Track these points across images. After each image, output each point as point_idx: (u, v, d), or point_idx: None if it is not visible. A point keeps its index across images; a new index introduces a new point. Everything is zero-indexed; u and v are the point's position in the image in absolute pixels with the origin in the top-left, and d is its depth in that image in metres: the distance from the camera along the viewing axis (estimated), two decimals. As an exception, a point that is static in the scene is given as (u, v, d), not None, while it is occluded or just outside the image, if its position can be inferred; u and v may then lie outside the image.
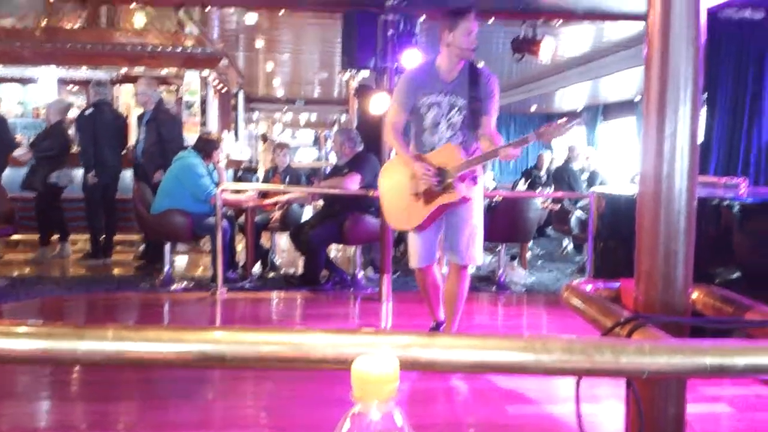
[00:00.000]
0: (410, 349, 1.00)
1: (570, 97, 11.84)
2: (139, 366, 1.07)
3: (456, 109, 3.44)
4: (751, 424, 2.99)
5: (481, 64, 3.64)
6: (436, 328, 3.89)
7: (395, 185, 3.62)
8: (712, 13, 5.57)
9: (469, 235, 3.51)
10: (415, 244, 3.63)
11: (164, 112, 6.43)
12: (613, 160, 11.59)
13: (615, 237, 2.46)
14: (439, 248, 3.86)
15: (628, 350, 1.02)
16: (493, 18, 6.00)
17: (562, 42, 7.82)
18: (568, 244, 8.41)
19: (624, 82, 9.66)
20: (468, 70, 3.47)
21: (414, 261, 3.68)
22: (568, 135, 3.29)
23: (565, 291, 1.37)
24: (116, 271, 6.46)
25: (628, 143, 11.80)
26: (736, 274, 1.88)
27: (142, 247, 6.77)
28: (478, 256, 3.57)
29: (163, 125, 6.25)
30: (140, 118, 6.51)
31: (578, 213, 7.18)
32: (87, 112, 6.62)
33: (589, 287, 1.40)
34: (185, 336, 1.02)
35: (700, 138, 5.68)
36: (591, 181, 9.27)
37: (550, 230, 9.05)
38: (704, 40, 1.32)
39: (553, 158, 10.12)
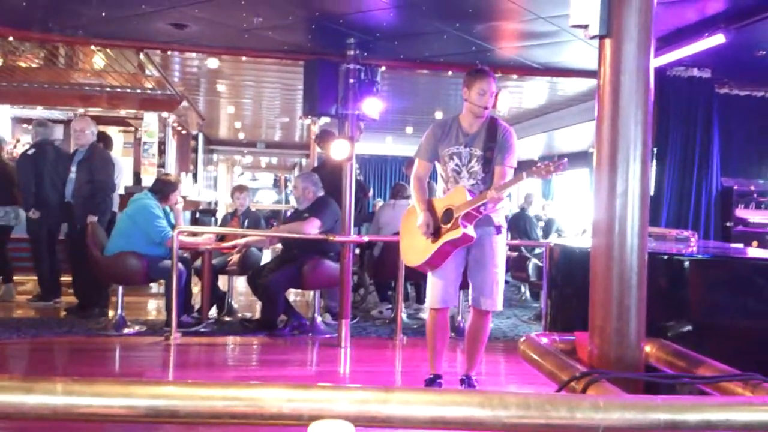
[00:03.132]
0: (367, 405, 0.99)
1: (527, 147, 12.13)
2: (89, 421, 1.04)
3: (475, 159, 3.71)
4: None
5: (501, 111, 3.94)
6: (433, 381, 3.86)
7: (412, 224, 3.86)
8: (661, 70, 5.80)
9: (493, 281, 3.71)
10: (433, 284, 3.76)
11: (99, 153, 6.25)
12: (568, 210, 11.83)
13: (569, 288, 2.50)
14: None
15: (583, 406, 1.03)
16: (450, 71, 6.15)
17: (519, 95, 8.06)
18: (525, 291, 8.50)
19: (578, 134, 9.95)
20: (488, 123, 3.75)
21: (431, 301, 3.79)
22: (558, 175, 3.46)
23: (522, 344, 1.38)
24: (64, 314, 6.25)
25: (582, 193, 12.08)
26: (687, 328, 1.92)
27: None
28: (500, 303, 3.76)
29: (95, 166, 6.09)
30: (72, 156, 6.34)
31: (535, 260, 7.27)
32: (29, 152, 6.49)
33: (544, 340, 1.42)
34: (136, 390, 0.99)
35: (651, 190, 5.87)
36: (547, 229, 9.44)
37: (507, 277, 9.13)
38: (653, 98, 1.37)
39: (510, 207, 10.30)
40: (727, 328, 2.03)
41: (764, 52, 5.40)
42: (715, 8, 4.45)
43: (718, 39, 4.73)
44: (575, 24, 1.29)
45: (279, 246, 6.39)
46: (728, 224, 6.28)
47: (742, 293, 2.06)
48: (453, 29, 5.00)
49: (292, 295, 7.17)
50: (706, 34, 4.77)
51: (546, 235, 9.21)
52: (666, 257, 2.09)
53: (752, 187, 6.49)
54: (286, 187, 22.97)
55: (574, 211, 11.63)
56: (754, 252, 3.23)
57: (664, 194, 6.01)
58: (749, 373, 1.24)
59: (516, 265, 7.80)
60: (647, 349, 1.39)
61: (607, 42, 1.31)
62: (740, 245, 4.28)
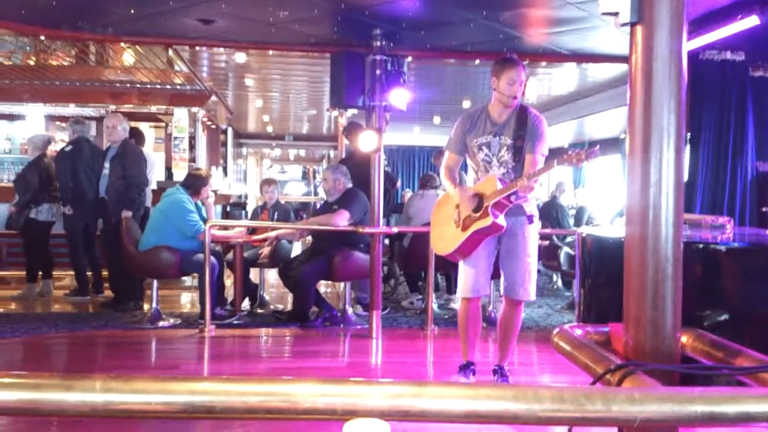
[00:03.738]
0: (401, 399, 0.99)
1: (557, 134, 11.99)
2: (127, 417, 1.06)
3: (505, 148, 3.69)
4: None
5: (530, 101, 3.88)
6: (466, 367, 3.88)
7: (443, 214, 3.89)
8: (694, 54, 5.68)
9: (525, 270, 3.70)
10: (464, 274, 3.77)
11: (131, 149, 6.36)
12: (600, 197, 11.68)
13: (602, 278, 2.46)
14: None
15: (618, 399, 1.02)
16: (478, 60, 6.10)
17: (548, 82, 7.96)
18: (557, 279, 8.43)
19: (609, 120, 9.80)
20: (518, 111, 3.72)
21: (462, 291, 3.79)
22: (589, 163, 3.46)
23: (555, 336, 1.37)
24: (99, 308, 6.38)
25: (614, 180, 11.91)
26: (723, 317, 1.89)
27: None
28: (533, 292, 3.75)
29: (127, 162, 6.19)
30: (106, 153, 6.46)
31: (567, 249, 7.20)
32: (66, 149, 6.62)
33: (578, 332, 1.41)
34: (173, 387, 1.01)
35: (685, 176, 5.76)
36: (578, 216, 9.33)
37: (539, 266, 9.06)
38: (686, 85, 1.34)
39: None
40: (765, 317, 1.99)
41: (801, 33, 5.26)
42: (749, -12, 4.34)
43: (752, 21, 4.62)
44: (606, 11, 1.27)
45: (309, 238, 6.42)
46: (765, 209, 6.14)
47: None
48: (480, 17, 4.94)
49: (323, 286, 7.23)
50: (740, 17, 4.66)
51: (578, 223, 9.12)
52: (701, 246, 2.06)
53: (790, 171, 6.32)
54: (314, 179, 23.08)
55: (605, 199, 11.48)
56: None
57: (698, 180, 5.90)
58: (790, 364, 1.22)
59: (547, 254, 7.73)
60: (683, 339, 1.37)
61: (639, 29, 1.28)
62: (778, 231, 4.18)
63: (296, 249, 7.19)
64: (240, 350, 5.21)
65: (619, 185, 11.45)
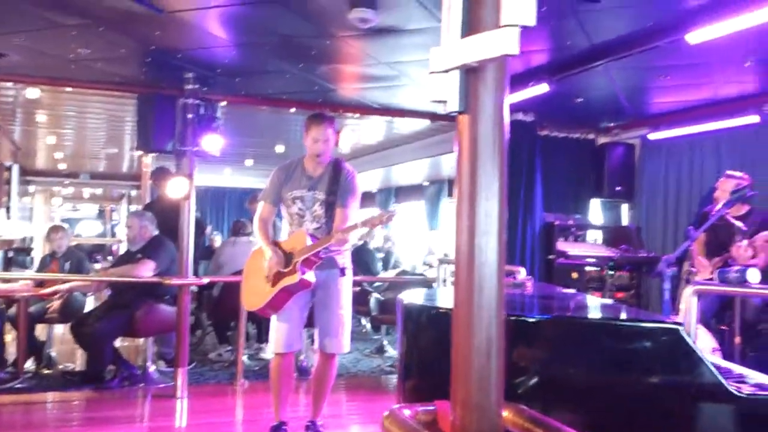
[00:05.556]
0: None
1: (366, 181, 12.39)
2: None
3: (319, 203, 3.71)
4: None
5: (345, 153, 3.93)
6: (278, 428, 3.75)
7: (255, 267, 3.78)
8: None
9: (339, 323, 3.71)
10: (276, 329, 3.70)
11: None
12: (406, 240, 12.20)
13: (425, 350, 2.51)
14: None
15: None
16: (294, 108, 6.13)
17: (359, 131, 8.21)
18: (366, 323, 8.57)
19: (414, 169, 10.32)
20: (332, 166, 3.76)
21: (274, 346, 3.71)
22: (389, 224, 3.67)
23: (386, 420, 1.35)
24: None
25: (418, 224, 12.53)
26: (533, 387, 2.01)
27: None
28: (347, 344, 3.76)
29: None
30: None
31: (376, 295, 7.36)
32: None
33: (407, 412, 1.40)
34: None
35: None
36: (386, 260, 9.63)
37: (349, 311, 9.16)
38: (507, 167, 1.41)
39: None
40: (570, 385, 2.14)
41: (581, 100, 5.95)
42: (539, 60, 4.83)
43: (542, 88, 5.15)
44: (435, 100, 1.31)
45: (106, 290, 5.89)
46: (551, 257, 6.77)
47: (582, 352, 2.20)
48: (296, 69, 4.98)
49: (120, 340, 6.68)
50: (531, 83, 5.17)
51: (385, 266, 9.40)
52: (513, 318, 2.17)
53: (570, 222, 7.06)
54: (111, 219, 21.54)
55: (411, 242, 12.01)
56: (592, 303, 3.46)
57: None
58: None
59: (358, 300, 7.85)
60: (505, 414, 1.41)
61: (465, 117, 1.34)
62: (573, 290, 4.62)
63: (90, 303, 6.58)
64: (22, 420, 4.59)
65: (422, 229, 12.08)
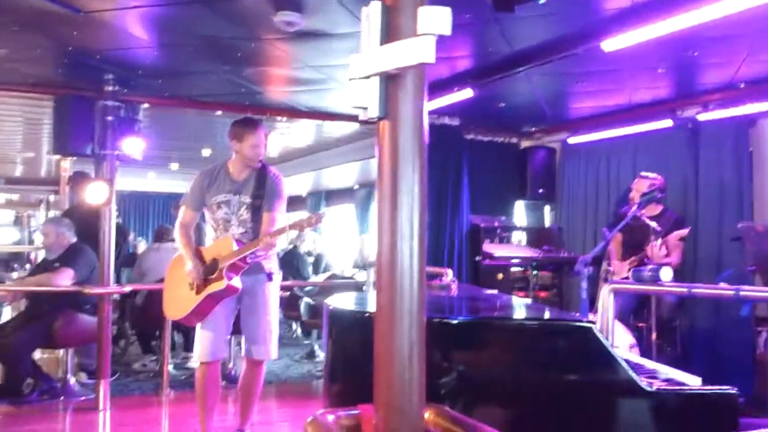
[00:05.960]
0: None
1: (296, 184, 12.29)
2: None
3: (245, 207, 3.66)
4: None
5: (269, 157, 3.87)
6: None
7: (177, 277, 3.70)
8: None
9: (266, 330, 3.67)
10: (202, 337, 3.63)
11: None
12: (336, 243, 12.18)
13: (349, 353, 2.52)
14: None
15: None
16: (220, 111, 6.02)
17: (287, 135, 8.15)
18: (296, 328, 8.51)
19: (344, 173, 10.31)
20: (258, 170, 3.72)
21: (200, 355, 3.63)
22: (319, 227, 3.65)
23: (309, 426, 1.35)
24: None
25: (348, 226, 12.53)
26: (457, 388, 2.04)
27: None
28: (274, 351, 3.73)
29: None
30: None
31: (307, 299, 7.32)
32: None
33: (330, 417, 1.40)
34: None
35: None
36: (316, 264, 9.57)
37: (279, 315, 9.07)
38: (426, 172, 1.44)
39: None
40: (491, 385, 2.20)
41: (504, 105, 6.10)
42: (464, 66, 4.92)
43: (467, 93, 5.24)
44: (356, 106, 1.33)
45: (23, 300, 5.63)
46: (477, 258, 6.90)
47: (501, 352, 2.25)
48: (221, 71, 4.90)
49: (38, 352, 6.39)
50: (456, 88, 5.26)
51: (316, 270, 9.35)
52: (435, 321, 2.21)
53: (496, 224, 7.22)
54: (29, 225, 20.59)
55: (341, 245, 12.00)
56: (513, 303, 3.54)
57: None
58: None
59: (288, 304, 7.79)
60: (427, 416, 1.43)
61: (385, 123, 1.36)
62: (495, 291, 4.71)
63: (6, 313, 6.27)
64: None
65: (353, 232, 12.08)
